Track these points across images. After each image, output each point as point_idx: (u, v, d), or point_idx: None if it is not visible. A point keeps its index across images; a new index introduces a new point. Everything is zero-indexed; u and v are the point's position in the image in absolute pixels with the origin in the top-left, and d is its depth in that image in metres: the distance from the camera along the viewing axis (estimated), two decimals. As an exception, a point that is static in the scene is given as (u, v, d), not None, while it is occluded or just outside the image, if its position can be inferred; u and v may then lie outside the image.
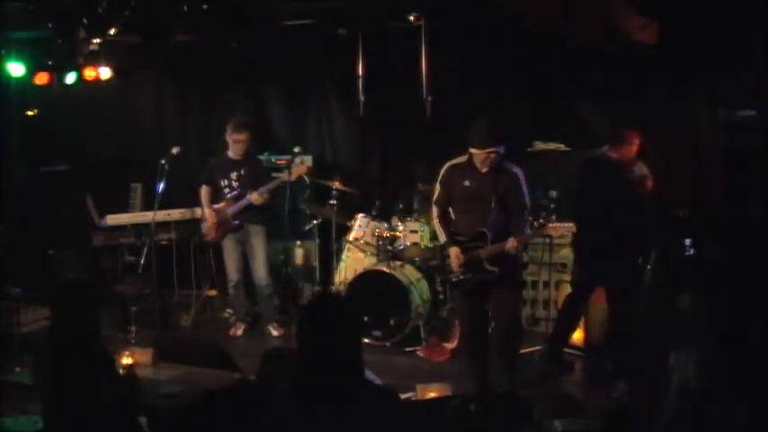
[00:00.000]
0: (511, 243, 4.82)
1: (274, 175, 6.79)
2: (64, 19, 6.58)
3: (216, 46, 7.67)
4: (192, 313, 7.16)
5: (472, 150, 4.90)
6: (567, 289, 6.25)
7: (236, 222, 6.68)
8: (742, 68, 6.25)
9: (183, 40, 7.36)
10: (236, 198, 6.64)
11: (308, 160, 7.49)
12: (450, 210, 5.20)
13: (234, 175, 6.69)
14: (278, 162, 7.48)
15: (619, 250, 5.49)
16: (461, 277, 5.01)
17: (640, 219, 5.62)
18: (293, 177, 6.47)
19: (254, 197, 6.52)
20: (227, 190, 6.70)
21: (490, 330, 5.28)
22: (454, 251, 4.98)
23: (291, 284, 7.38)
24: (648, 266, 5.63)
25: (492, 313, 5.16)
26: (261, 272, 6.74)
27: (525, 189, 4.95)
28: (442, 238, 5.12)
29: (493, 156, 4.85)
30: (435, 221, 5.18)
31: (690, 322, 3.38)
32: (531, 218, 5.06)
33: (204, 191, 6.79)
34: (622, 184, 5.62)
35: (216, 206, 6.73)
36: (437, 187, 5.15)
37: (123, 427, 3.42)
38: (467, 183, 4.97)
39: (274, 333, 6.82)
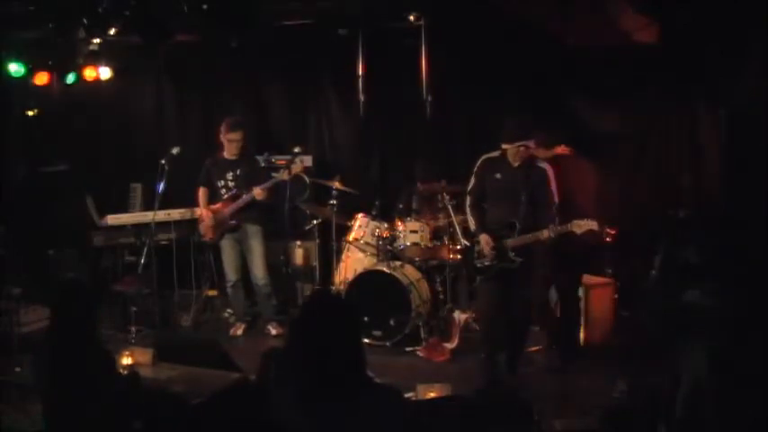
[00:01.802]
0: (547, 232, 5.01)
1: (273, 175, 6.80)
2: (64, 19, 6.58)
3: (216, 46, 7.67)
4: (192, 313, 7.16)
5: (504, 146, 5.17)
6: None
7: (234, 222, 6.68)
8: (742, 68, 6.24)
9: (183, 40, 7.36)
10: (234, 198, 6.64)
11: (309, 160, 7.49)
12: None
13: (230, 175, 6.69)
14: (278, 162, 7.47)
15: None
16: (487, 263, 5.22)
17: None
18: (289, 175, 6.50)
19: (256, 192, 6.52)
20: (223, 190, 6.71)
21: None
22: (484, 237, 5.22)
23: (291, 284, 7.39)
24: (653, 272, 5.66)
25: (508, 311, 5.27)
26: (259, 271, 6.74)
27: (553, 185, 5.18)
28: (473, 225, 5.37)
29: (523, 149, 5.09)
30: (468, 210, 5.43)
31: (701, 318, 3.37)
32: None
33: (201, 192, 6.81)
34: None
35: (213, 207, 6.74)
36: (472, 179, 5.40)
37: (123, 428, 3.42)
38: (498, 176, 5.23)
39: (273, 332, 6.82)
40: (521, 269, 5.15)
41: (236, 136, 6.62)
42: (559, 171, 5.56)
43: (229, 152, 6.68)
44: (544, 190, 5.15)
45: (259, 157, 7.19)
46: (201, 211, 6.79)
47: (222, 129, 6.68)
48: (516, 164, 5.17)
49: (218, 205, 6.73)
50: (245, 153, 6.79)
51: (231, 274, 6.84)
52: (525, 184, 5.11)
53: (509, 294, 5.23)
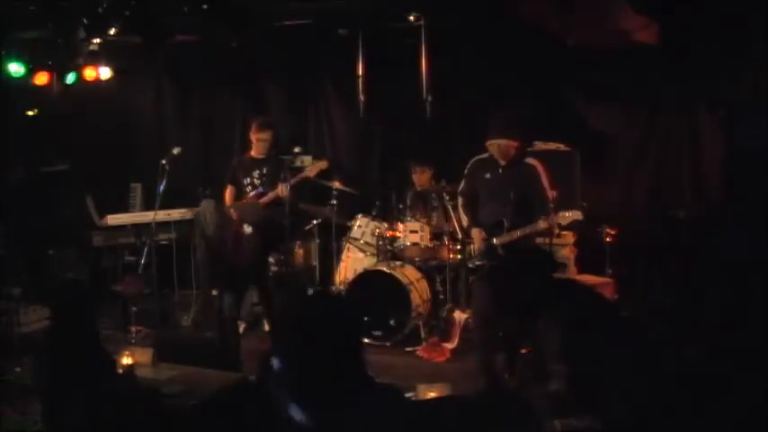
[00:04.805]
0: (543, 222, 5.01)
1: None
2: (64, 19, 6.59)
3: (216, 46, 7.67)
4: (192, 313, 7.16)
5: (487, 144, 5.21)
6: (567, 289, 6.25)
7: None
8: (742, 68, 6.25)
9: (183, 40, 7.36)
10: (259, 196, 6.66)
11: (308, 160, 7.49)
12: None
13: (256, 173, 6.72)
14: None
15: None
16: (477, 263, 5.25)
17: None
18: (313, 173, 6.53)
19: (280, 189, 6.55)
20: (249, 188, 6.73)
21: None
22: (476, 232, 5.26)
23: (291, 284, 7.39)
24: None
25: (504, 310, 5.25)
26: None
27: (545, 180, 5.16)
28: (465, 222, 5.43)
29: (496, 146, 5.12)
30: (461, 210, 5.48)
31: None
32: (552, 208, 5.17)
33: (229, 190, 6.84)
34: None
35: (237, 203, 6.78)
36: (463, 180, 5.44)
37: (123, 428, 3.41)
38: (488, 175, 5.24)
39: (267, 328, 6.83)
40: (514, 267, 5.13)
41: (265, 135, 6.68)
42: None
43: (257, 151, 6.72)
44: (535, 186, 5.13)
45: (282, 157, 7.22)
46: (227, 209, 6.83)
47: (252, 127, 6.74)
48: (503, 162, 5.17)
49: (242, 202, 6.76)
50: (272, 152, 6.83)
51: None
52: (513, 183, 5.12)
53: (505, 294, 5.21)
